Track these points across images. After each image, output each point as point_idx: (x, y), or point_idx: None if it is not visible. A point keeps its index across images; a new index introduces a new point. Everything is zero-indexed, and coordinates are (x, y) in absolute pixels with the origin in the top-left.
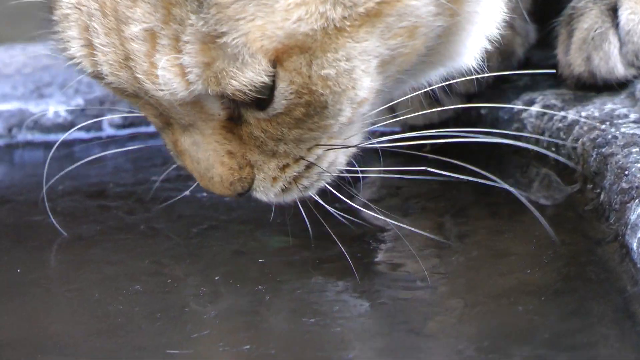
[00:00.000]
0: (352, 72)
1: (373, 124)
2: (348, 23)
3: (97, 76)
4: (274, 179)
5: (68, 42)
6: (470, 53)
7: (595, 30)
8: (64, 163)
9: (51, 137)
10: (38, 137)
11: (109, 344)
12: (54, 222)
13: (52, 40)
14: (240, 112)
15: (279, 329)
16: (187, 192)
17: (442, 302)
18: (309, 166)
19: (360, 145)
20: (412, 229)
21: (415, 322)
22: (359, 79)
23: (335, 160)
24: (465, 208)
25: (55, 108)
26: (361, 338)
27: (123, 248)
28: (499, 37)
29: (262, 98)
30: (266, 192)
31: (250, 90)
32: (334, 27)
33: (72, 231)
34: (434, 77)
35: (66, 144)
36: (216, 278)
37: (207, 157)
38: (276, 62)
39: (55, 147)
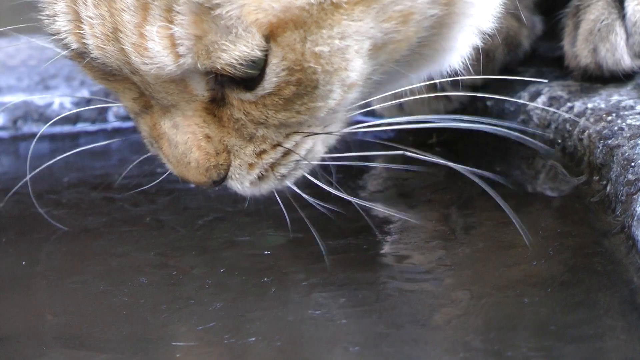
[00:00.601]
0: (345, 51)
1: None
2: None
3: (81, 53)
4: (251, 165)
5: (54, 16)
6: (462, 46)
7: (601, 22)
8: (69, 155)
9: (56, 129)
10: (43, 128)
11: (114, 335)
12: (44, 214)
13: (39, 17)
14: (224, 94)
15: (285, 320)
16: (192, 185)
17: (448, 294)
18: (287, 153)
19: (339, 132)
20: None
21: (421, 314)
22: (352, 60)
23: (313, 148)
24: (471, 200)
25: (60, 100)
26: (367, 330)
27: (128, 240)
28: (495, 31)
29: (251, 77)
30: (241, 180)
31: (241, 64)
32: (330, 2)
33: (77, 223)
34: (431, 73)
35: (71, 136)
36: (221, 270)
37: (186, 139)
38: (269, 37)
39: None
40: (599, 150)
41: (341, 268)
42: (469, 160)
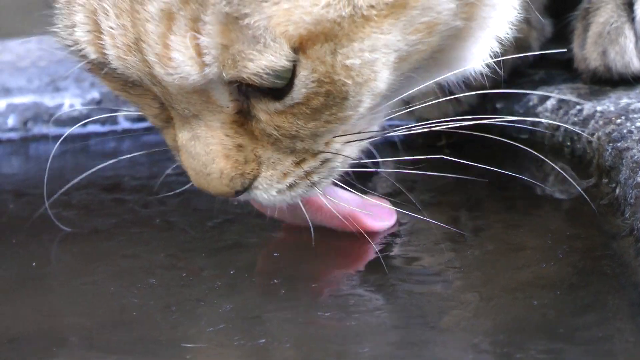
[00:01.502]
0: (375, 63)
1: (386, 116)
2: (375, 12)
3: (99, 64)
4: (284, 174)
5: (72, 27)
6: (478, 58)
7: (611, 25)
8: (79, 156)
9: (66, 130)
10: (53, 130)
11: (124, 337)
12: (52, 216)
13: (54, 28)
14: (249, 107)
15: (295, 322)
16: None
17: (457, 296)
18: (325, 161)
19: (376, 134)
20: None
21: (431, 316)
22: (380, 71)
23: (350, 154)
24: (481, 202)
25: (70, 101)
26: (376, 332)
27: (138, 241)
28: (512, 38)
29: (278, 88)
30: (268, 190)
31: (267, 74)
32: (361, 15)
33: (87, 224)
34: (443, 79)
35: (81, 137)
36: (231, 272)
37: (209, 151)
38: (299, 49)
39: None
40: (608, 153)
41: (351, 270)
42: (478, 162)
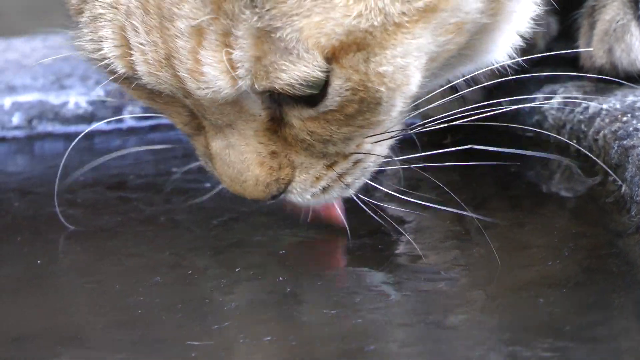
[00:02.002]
0: (407, 68)
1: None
2: (406, 19)
3: (129, 78)
4: (317, 178)
5: (99, 42)
6: (501, 50)
7: (617, 22)
8: (84, 154)
9: (71, 128)
10: (58, 128)
11: (129, 335)
12: (59, 214)
13: (78, 42)
14: (282, 113)
15: (301, 320)
16: (207, 184)
17: (463, 294)
18: (357, 162)
19: (402, 130)
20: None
21: (437, 314)
22: (412, 75)
23: (381, 152)
24: (486, 200)
25: (75, 99)
26: (382, 330)
27: (143, 240)
28: (531, 32)
29: (311, 95)
30: (303, 193)
31: (300, 84)
32: (392, 22)
33: (92, 223)
34: (463, 72)
35: (86, 135)
36: (237, 270)
37: (243, 159)
38: (331, 59)
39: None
40: (614, 151)
41: (356, 268)
42: (484, 161)
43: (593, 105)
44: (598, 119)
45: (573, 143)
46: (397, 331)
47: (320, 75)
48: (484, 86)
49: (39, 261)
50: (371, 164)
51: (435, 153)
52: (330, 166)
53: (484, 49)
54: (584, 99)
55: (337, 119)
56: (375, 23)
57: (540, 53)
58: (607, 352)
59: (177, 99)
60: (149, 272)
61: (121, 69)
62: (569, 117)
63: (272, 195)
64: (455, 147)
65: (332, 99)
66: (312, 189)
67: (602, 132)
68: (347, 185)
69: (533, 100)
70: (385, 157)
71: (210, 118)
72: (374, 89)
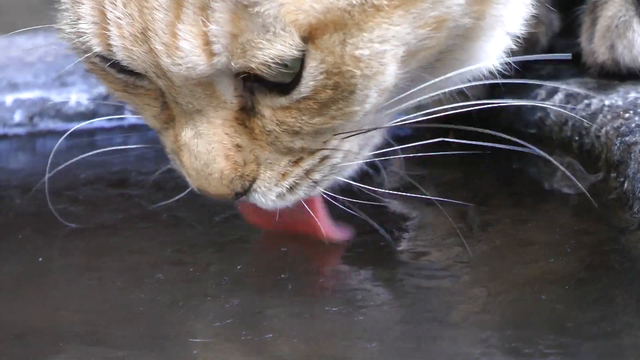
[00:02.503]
0: (383, 55)
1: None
2: (385, 2)
3: (103, 57)
4: (283, 175)
5: (77, 19)
6: (491, 56)
7: (619, 18)
8: (85, 152)
9: (73, 125)
10: (60, 125)
11: (131, 332)
12: (54, 212)
13: (58, 25)
14: (253, 103)
15: (302, 317)
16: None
17: (465, 291)
18: (324, 158)
19: (373, 128)
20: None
21: (439, 311)
22: (388, 64)
23: (350, 149)
24: (488, 197)
25: (77, 96)
26: (384, 327)
27: (145, 237)
28: (524, 34)
29: (285, 82)
30: (267, 193)
31: (276, 63)
32: (372, 4)
33: (94, 220)
34: (455, 81)
35: (88, 132)
36: (238, 267)
37: (210, 149)
38: (308, 38)
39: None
40: (616, 148)
41: (358, 265)
42: (486, 159)
43: (595, 102)
44: (600, 116)
45: (575, 139)
46: (399, 328)
47: (297, 54)
48: (485, 84)
49: (40, 258)
50: (339, 160)
51: (414, 145)
52: (296, 162)
53: (472, 55)
54: (586, 96)
55: (309, 108)
56: (354, 2)
57: (542, 49)
58: (610, 348)
59: (151, 81)
60: (151, 269)
61: (97, 46)
62: (571, 113)
63: (236, 193)
64: (455, 144)
65: (306, 83)
66: (277, 187)
67: (605, 128)
68: (315, 183)
69: (535, 96)
70: (382, 152)
71: (181, 101)
72: (349, 73)
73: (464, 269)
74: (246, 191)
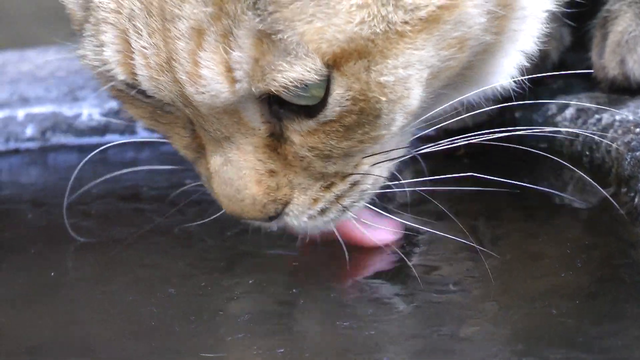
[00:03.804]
0: (408, 80)
1: (413, 134)
2: (409, 28)
3: (128, 85)
4: (315, 200)
5: (101, 47)
6: (505, 72)
7: (629, 33)
8: (97, 166)
9: (85, 140)
10: (72, 140)
11: (143, 346)
12: (68, 226)
13: (81, 51)
14: (282, 129)
15: (313, 332)
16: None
17: (476, 306)
18: (355, 184)
19: (404, 153)
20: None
21: (450, 326)
22: (413, 88)
23: (380, 174)
24: (499, 211)
25: (89, 111)
26: (395, 341)
27: (157, 251)
28: (538, 52)
29: (310, 105)
30: (300, 216)
31: (295, 87)
32: (395, 31)
33: (105, 234)
34: (472, 96)
35: (100, 146)
36: (250, 281)
37: (242, 176)
38: (332, 66)
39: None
40: (626, 162)
41: (370, 279)
42: (497, 173)
43: (606, 117)
44: (611, 130)
45: (586, 154)
46: (410, 343)
47: (317, 79)
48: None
49: (52, 272)
50: (369, 187)
51: (438, 179)
52: (327, 187)
53: (488, 70)
54: (597, 111)
55: (336, 132)
56: (378, 30)
57: (553, 64)
58: None
59: (178, 110)
60: (162, 283)
61: (121, 75)
62: (582, 128)
63: (269, 216)
64: (467, 158)
65: (332, 108)
66: (310, 211)
67: (615, 143)
68: (345, 208)
69: (546, 111)
70: (389, 179)
71: (209, 129)
72: (374, 99)
73: (475, 283)
74: (279, 214)
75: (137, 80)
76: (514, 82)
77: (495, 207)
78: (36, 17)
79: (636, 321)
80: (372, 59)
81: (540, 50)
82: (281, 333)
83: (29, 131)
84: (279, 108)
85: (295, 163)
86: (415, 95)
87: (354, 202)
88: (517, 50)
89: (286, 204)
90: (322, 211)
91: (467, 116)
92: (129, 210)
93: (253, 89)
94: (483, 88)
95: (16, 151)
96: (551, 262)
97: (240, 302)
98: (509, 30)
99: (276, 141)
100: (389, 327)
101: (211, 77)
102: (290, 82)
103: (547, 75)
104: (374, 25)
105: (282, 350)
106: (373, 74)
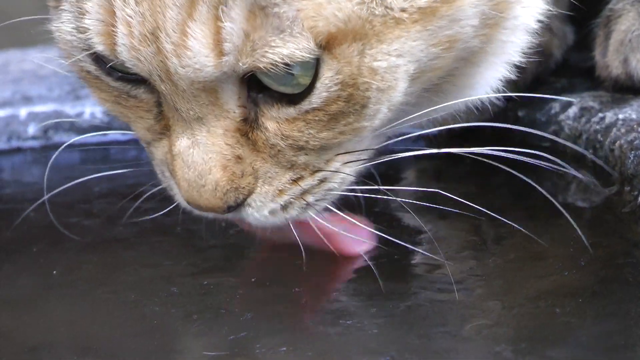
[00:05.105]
0: (397, 70)
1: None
2: (406, 15)
3: (101, 58)
4: (280, 191)
5: (81, 15)
6: (487, 85)
7: (632, 32)
8: (99, 165)
9: (87, 138)
10: (74, 138)
11: (146, 345)
12: (57, 224)
13: (55, 25)
14: (257, 115)
15: (316, 330)
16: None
17: (479, 305)
18: (323, 180)
19: (370, 161)
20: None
21: (453, 325)
22: (399, 80)
23: (349, 174)
24: (502, 210)
25: (91, 109)
26: (398, 340)
27: (159, 250)
28: (525, 65)
29: (295, 93)
30: (261, 208)
31: (285, 64)
32: (393, 16)
33: (108, 233)
34: (448, 107)
35: (102, 145)
36: (252, 280)
37: (207, 159)
38: (325, 47)
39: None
40: (630, 161)
41: (372, 278)
42: (500, 173)
43: (609, 115)
44: (614, 129)
45: (589, 153)
46: (413, 341)
47: (308, 57)
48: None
49: (54, 271)
50: (336, 185)
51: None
52: (295, 181)
53: (471, 82)
54: (600, 109)
55: (318, 120)
56: (377, 12)
57: (556, 63)
58: None
59: (146, 90)
60: (165, 282)
61: (99, 45)
62: (585, 127)
63: (228, 206)
64: (465, 171)
65: (319, 94)
66: (272, 203)
67: (619, 142)
68: (307, 205)
69: (549, 110)
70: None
71: (181, 107)
72: (364, 86)
73: (478, 282)
74: (239, 205)
75: (115, 50)
76: (497, 95)
77: (498, 207)
78: (39, 18)
79: (639, 320)
80: (368, 42)
81: (543, 48)
82: (284, 331)
83: (31, 130)
84: (257, 93)
85: (264, 150)
86: (400, 88)
87: (318, 200)
88: (503, 62)
89: (249, 194)
90: (284, 206)
91: (470, 115)
92: (131, 209)
93: (240, 64)
94: (462, 99)
95: (18, 150)
96: (554, 261)
97: (243, 301)
98: (496, 41)
99: (248, 126)
100: (391, 325)
101: (198, 49)
102: (280, 58)
103: (552, 70)
104: (373, 7)
105: (284, 348)
106: (367, 58)
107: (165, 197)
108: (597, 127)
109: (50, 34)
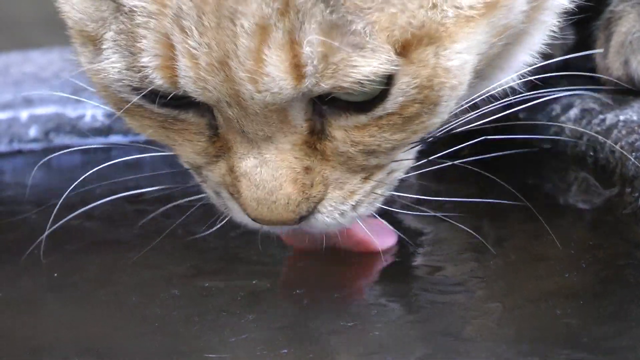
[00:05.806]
0: (466, 66)
1: None
2: (475, 12)
3: (154, 93)
4: (352, 192)
5: (138, 53)
6: (517, 67)
7: (633, 34)
8: (101, 167)
9: (89, 141)
10: (75, 141)
11: (147, 347)
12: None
13: (96, 66)
14: (323, 126)
15: (317, 332)
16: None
17: (480, 306)
18: (390, 172)
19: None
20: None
21: (454, 326)
22: (467, 74)
23: (410, 159)
24: (503, 211)
25: (92, 112)
26: (399, 342)
27: (160, 252)
28: (543, 51)
29: (366, 100)
30: (332, 212)
31: (369, 82)
32: (464, 15)
33: (109, 235)
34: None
35: (104, 148)
36: (254, 282)
37: (277, 176)
38: (401, 53)
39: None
40: (631, 163)
41: (374, 280)
42: (501, 172)
43: (610, 117)
44: (615, 131)
45: (590, 154)
46: (414, 343)
47: (392, 70)
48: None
49: (55, 273)
50: (402, 173)
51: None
52: (366, 178)
53: (506, 64)
54: (601, 111)
55: (392, 124)
56: (450, 14)
57: (557, 64)
58: None
59: (195, 115)
60: (166, 284)
61: (158, 80)
62: (586, 128)
63: (300, 217)
64: (466, 172)
65: (395, 99)
66: (343, 205)
67: (620, 143)
68: (375, 199)
69: (550, 111)
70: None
71: (249, 130)
72: (439, 86)
73: (479, 283)
74: (311, 213)
75: (177, 83)
76: (521, 80)
77: (499, 208)
78: (39, 20)
79: None
80: (441, 43)
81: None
82: (285, 333)
83: (33, 132)
84: (322, 105)
85: (333, 158)
86: (466, 82)
87: (385, 191)
88: (537, 43)
89: (319, 201)
90: (355, 206)
91: (471, 117)
92: (132, 211)
93: (323, 85)
94: (494, 85)
95: (20, 152)
96: (555, 262)
97: (244, 303)
98: (535, 21)
99: (315, 137)
100: (393, 327)
101: (276, 74)
102: (365, 76)
103: (553, 71)
104: (445, 9)
105: (285, 350)
106: (441, 60)
107: (164, 198)
108: (598, 128)
109: (50, 37)
